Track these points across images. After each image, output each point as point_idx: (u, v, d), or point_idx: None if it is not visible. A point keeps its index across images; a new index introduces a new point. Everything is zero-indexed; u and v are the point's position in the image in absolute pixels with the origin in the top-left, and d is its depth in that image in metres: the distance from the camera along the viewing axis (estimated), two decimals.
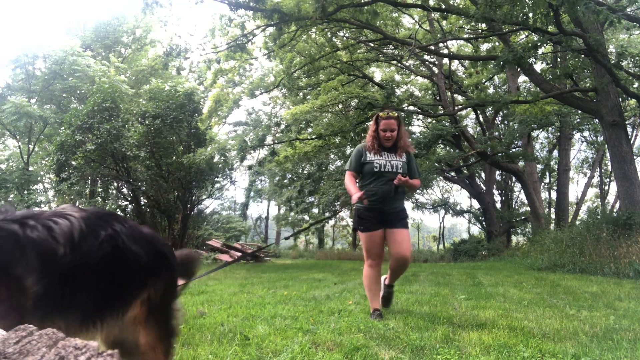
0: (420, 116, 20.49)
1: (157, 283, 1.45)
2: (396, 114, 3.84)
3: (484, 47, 15.95)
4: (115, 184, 15.30)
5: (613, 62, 9.79)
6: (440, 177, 25.18)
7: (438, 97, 18.70)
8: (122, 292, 1.37)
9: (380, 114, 3.81)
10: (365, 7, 11.05)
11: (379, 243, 3.75)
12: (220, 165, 15.65)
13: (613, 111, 10.13)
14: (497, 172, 21.46)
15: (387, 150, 3.80)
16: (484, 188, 20.92)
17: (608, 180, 24.06)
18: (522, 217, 21.30)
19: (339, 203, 21.76)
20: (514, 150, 18.27)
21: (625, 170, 9.87)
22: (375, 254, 3.77)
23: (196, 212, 16.80)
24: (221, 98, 15.92)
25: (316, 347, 2.74)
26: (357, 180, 3.90)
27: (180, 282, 1.70)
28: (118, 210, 14.92)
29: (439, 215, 31.29)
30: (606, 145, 11.70)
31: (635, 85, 12.50)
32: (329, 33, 15.00)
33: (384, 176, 3.72)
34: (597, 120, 13.19)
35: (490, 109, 18.89)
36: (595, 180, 25.29)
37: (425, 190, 28.97)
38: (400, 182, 3.61)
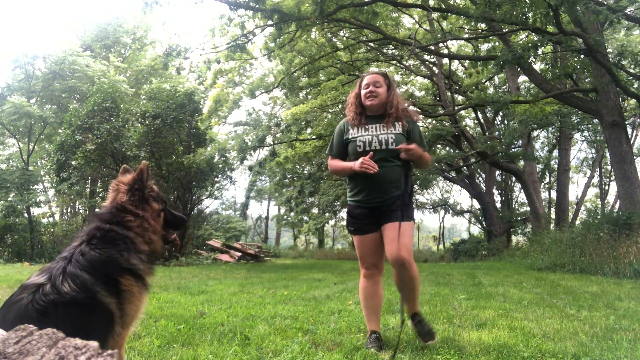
0: (421, 116, 20.47)
1: None
2: (384, 71, 3.04)
3: (484, 47, 15.95)
4: None
5: (613, 62, 9.80)
6: (440, 177, 25.18)
7: (438, 97, 18.69)
8: None
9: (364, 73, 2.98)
10: (365, 7, 11.04)
11: (374, 248, 2.88)
12: (220, 166, 15.65)
13: (613, 111, 10.13)
14: (497, 172, 21.46)
15: (375, 122, 2.89)
16: (484, 188, 20.91)
17: (608, 180, 24.08)
18: (522, 217, 21.30)
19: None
20: (514, 150, 18.27)
21: (625, 170, 9.88)
22: (370, 262, 2.91)
23: (196, 212, 16.78)
24: (221, 98, 15.92)
25: (316, 347, 2.74)
26: None
27: None
28: None
29: (439, 215, 31.32)
30: (606, 145, 11.70)
31: (635, 85, 12.50)
32: (329, 33, 15.00)
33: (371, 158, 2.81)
34: (597, 120, 13.19)
35: (490, 109, 18.89)
36: (595, 180, 25.32)
37: (425, 190, 28.96)
38: (407, 154, 2.74)
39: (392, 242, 2.73)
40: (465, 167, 19.56)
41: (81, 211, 20.76)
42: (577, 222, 17.46)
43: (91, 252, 1.55)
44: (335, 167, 2.97)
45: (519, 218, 21.29)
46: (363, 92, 2.92)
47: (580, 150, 25.74)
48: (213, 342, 2.79)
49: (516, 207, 24.35)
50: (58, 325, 1.19)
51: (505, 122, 20.57)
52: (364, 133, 2.86)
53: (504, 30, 11.04)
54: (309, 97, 17.26)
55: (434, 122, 18.12)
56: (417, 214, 42.86)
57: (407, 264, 2.73)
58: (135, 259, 1.62)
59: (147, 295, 1.70)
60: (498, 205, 22.29)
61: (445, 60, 17.17)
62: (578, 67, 11.36)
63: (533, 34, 10.72)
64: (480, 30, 12.44)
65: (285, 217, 28.09)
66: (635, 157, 11.67)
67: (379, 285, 2.93)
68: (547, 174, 25.05)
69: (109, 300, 1.49)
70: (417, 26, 16.24)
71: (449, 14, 11.47)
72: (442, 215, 30.89)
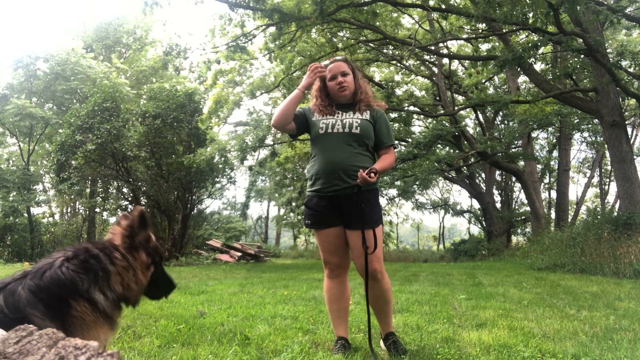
0: (421, 116, 20.50)
1: None
2: (344, 57, 2.82)
3: (484, 47, 15.95)
4: (115, 183, 15.30)
5: (613, 62, 9.80)
6: (440, 177, 25.19)
7: (438, 97, 18.69)
8: None
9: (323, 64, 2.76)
10: (365, 8, 11.05)
11: (338, 246, 2.62)
12: (220, 166, 15.66)
13: (613, 111, 10.13)
14: (497, 172, 21.46)
15: (343, 108, 2.69)
16: (484, 188, 20.91)
17: (608, 180, 24.09)
18: (522, 217, 21.30)
19: None
20: (514, 150, 18.27)
21: (625, 170, 9.88)
22: (334, 263, 2.66)
23: (196, 212, 16.79)
24: (221, 98, 15.92)
25: (316, 347, 2.74)
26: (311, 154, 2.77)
27: None
28: (118, 210, 14.93)
29: (439, 215, 31.37)
30: (606, 145, 11.70)
31: (635, 85, 12.51)
32: (328, 33, 15.00)
33: (332, 140, 2.58)
34: (597, 120, 13.19)
35: (490, 109, 18.89)
36: (595, 180, 25.34)
37: (425, 190, 28.96)
38: (362, 182, 2.44)
39: (360, 254, 2.51)
40: (465, 167, 19.57)
41: (81, 211, 20.78)
42: (577, 222, 17.46)
43: (57, 270, 1.43)
44: (280, 109, 2.61)
45: (519, 218, 21.30)
46: (330, 84, 2.68)
47: (580, 150, 25.77)
48: (213, 342, 2.80)
49: (516, 207, 24.35)
50: None
51: (505, 122, 20.56)
52: (328, 117, 2.64)
53: (504, 30, 11.04)
54: (309, 96, 17.25)
55: (433, 122, 18.12)
56: (417, 214, 42.54)
57: (379, 276, 2.54)
58: (97, 293, 1.47)
59: (110, 330, 1.51)
60: (498, 205, 22.29)
61: (445, 60, 17.17)
62: (578, 67, 11.37)
63: (533, 34, 10.72)
64: (480, 30, 12.45)
65: (285, 217, 28.08)
66: (635, 157, 11.67)
67: (345, 285, 2.71)
68: (547, 174, 25.06)
69: (47, 324, 1.30)
70: (417, 26, 16.24)
71: (449, 14, 11.47)
72: (442, 215, 30.95)
